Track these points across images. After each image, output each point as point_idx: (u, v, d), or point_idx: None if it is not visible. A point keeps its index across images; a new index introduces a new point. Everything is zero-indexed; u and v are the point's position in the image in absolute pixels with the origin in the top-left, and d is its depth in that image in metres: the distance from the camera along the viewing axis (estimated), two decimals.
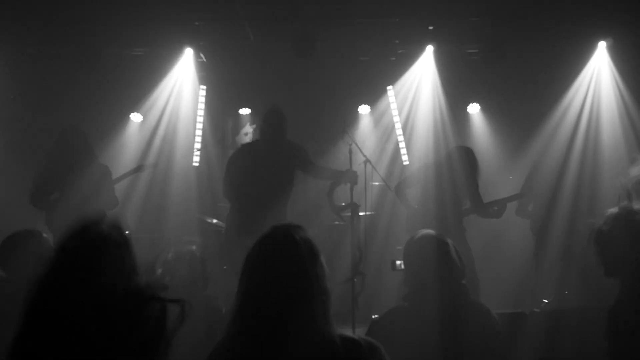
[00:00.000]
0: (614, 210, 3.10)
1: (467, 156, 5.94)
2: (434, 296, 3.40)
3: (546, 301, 6.27)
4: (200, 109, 7.84)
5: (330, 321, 2.45)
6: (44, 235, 4.20)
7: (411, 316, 3.45)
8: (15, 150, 7.31)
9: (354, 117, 8.21)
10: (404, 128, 7.99)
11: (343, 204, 6.04)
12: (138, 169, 6.54)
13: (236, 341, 2.36)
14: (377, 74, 7.78)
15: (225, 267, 6.13)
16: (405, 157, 7.98)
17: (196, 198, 7.56)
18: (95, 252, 1.66)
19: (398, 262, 4.66)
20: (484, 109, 8.20)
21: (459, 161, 5.86)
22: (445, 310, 3.38)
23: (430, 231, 3.65)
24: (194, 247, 4.63)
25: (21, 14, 6.64)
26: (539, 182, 6.47)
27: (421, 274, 3.46)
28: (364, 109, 8.28)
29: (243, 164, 5.74)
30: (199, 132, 7.85)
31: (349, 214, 5.92)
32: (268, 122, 5.78)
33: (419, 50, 7.58)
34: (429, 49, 7.53)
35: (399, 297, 5.95)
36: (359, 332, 5.41)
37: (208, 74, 7.83)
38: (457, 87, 7.73)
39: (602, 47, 7.34)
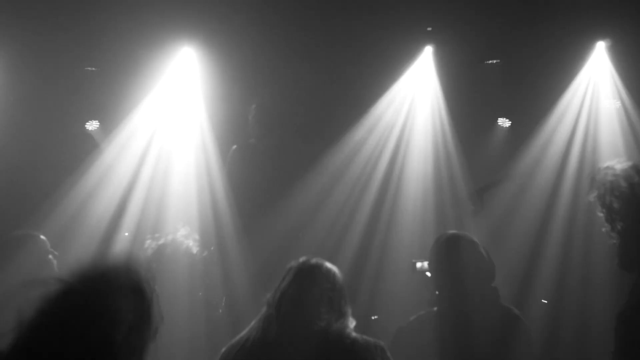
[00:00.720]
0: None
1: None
2: (463, 300, 3.30)
3: (545, 301, 6.28)
4: (200, 111, 7.82)
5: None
6: (42, 237, 4.19)
7: (440, 321, 3.36)
8: (15, 154, 7.31)
9: (354, 119, 8.20)
10: (403, 130, 7.98)
11: None
12: None
13: None
14: (376, 76, 7.77)
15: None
16: (404, 160, 7.97)
17: (195, 201, 7.56)
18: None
19: (419, 265, 4.46)
20: (483, 110, 8.19)
21: None
22: (474, 314, 3.29)
23: (458, 231, 3.49)
24: (191, 244, 4.38)
25: (19, 15, 6.64)
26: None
27: (450, 276, 3.36)
28: (363, 112, 8.26)
29: (242, 169, 5.70)
30: (198, 135, 7.83)
31: None
32: (257, 120, 5.65)
33: (418, 51, 7.57)
34: (428, 51, 7.52)
35: (406, 299, 5.97)
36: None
37: (208, 75, 7.82)
38: (456, 89, 7.72)
39: (600, 47, 7.34)
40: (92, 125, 8.06)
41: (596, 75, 7.45)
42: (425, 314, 3.48)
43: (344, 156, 7.43)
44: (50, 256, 4.07)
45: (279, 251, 5.87)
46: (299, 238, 6.43)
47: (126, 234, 7.19)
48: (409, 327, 3.49)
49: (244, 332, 2.95)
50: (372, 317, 6.67)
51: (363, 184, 7.43)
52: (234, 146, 6.96)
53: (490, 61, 7.52)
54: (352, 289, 5.84)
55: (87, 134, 7.83)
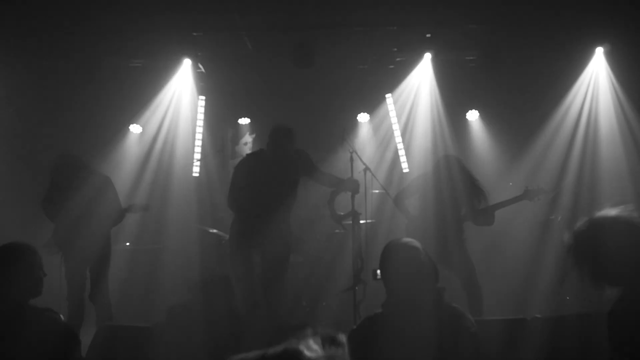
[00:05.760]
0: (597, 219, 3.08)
1: (458, 165, 6.00)
2: (407, 302, 3.47)
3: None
4: (200, 119, 7.86)
5: None
6: (38, 252, 4.18)
7: (386, 323, 3.51)
8: (15, 161, 7.31)
9: (353, 125, 8.22)
10: (403, 135, 8.00)
11: (342, 213, 6.05)
12: (127, 209, 6.12)
13: None
14: (376, 82, 7.80)
15: None
16: (404, 165, 7.99)
17: (196, 208, 7.57)
18: None
19: (379, 272, 4.70)
20: (483, 115, 8.21)
21: (450, 169, 5.92)
22: (418, 315, 3.45)
23: (402, 239, 3.74)
24: None
25: (20, 26, 6.65)
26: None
27: (393, 280, 3.55)
28: (363, 117, 8.30)
29: (247, 174, 5.74)
30: (198, 143, 7.86)
31: (350, 222, 5.93)
32: (276, 138, 5.74)
33: (417, 57, 7.59)
34: (427, 57, 7.54)
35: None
36: None
37: (207, 84, 7.85)
38: (455, 94, 7.74)
39: (599, 53, 7.36)
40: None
41: (595, 80, 7.46)
42: (374, 316, 3.64)
43: (344, 162, 7.43)
44: (41, 273, 4.08)
45: (279, 257, 5.89)
46: (299, 243, 6.45)
47: (127, 244, 7.20)
48: (360, 329, 3.67)
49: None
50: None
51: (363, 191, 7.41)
52: (246, 154, 7.01)
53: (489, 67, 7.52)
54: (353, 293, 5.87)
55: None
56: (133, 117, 7.81)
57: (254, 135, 8.39)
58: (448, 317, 3.52)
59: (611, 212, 3.06)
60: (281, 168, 5.70)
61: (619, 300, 2.98)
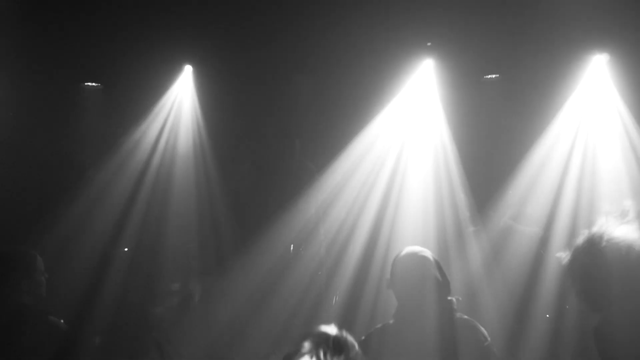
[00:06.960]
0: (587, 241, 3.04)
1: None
2: (416, 313, 3.39)
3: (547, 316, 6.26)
4: (200, 127, 7.86)
5: None
6: (39, 257, 4.18)
7: (397, 334, 3.47)
8: (14, 168, 7.31)
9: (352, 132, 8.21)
10: (403, 145, 7.99)
11: None
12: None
13: None
14: (375, 91, 7.80)
15: None
16: (403, 175, 7.97)
17: (196, 215, 7.56)
18: None
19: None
20: (483, 122, 8.20)
21: None
22: (428, 327, 3.39)
23: (412, 247, 3.69)
24: None
25: (21, 28, 6.68)
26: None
27: (405, 291, 3.48)
28: (362, 126, 8.28)
29: (248, 182, 5.79)
30: (198, 151, 7.85)
31: None
32: (280, 149, 5.75)
33: (417, 66, 7.60)
34: (427, 65, 7.55)
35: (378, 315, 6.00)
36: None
37: (207, 91, 7.85)
38: (455, 103, 7.74)
39: (598, 61, 7.34)
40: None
41: (595, 89, 7.45)
42: (384, 327, 3.65)
43: (344, 172, 7.44)
44: (42, 277, 4.09)
45: (279, 265, 5.88)
46: (299, 252, 6.47)
47: (126, 249, 7.18)
48: (368, 339, 3.62)
49: None
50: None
51: (363, 199, 7.43)
52: (247, 163, 7.04)
53: (489, 76, 7.54)
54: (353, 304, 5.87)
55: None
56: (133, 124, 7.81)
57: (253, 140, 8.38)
58: (460, 330, 3.44)
59: (605, 231, 3.03)
60: (282, 178, 5.73)
61: (603, 319, 2.97)
